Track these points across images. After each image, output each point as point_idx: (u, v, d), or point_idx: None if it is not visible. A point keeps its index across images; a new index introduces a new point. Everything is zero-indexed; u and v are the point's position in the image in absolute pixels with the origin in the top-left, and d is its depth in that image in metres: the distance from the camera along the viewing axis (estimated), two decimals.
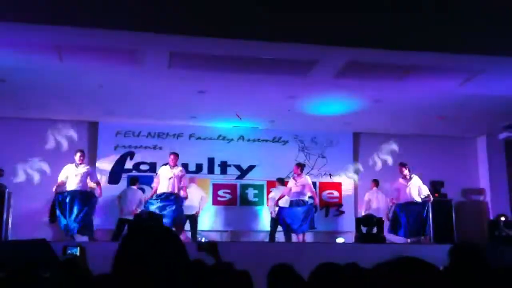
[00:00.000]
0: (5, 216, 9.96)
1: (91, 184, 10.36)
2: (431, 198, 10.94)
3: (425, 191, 10.91)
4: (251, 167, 12.66)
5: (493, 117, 11.43)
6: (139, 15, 6.85)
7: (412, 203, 10.74)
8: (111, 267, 1.69)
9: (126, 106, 10.87)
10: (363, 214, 11.66)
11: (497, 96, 9.72)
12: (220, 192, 12.37)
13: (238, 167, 12.67)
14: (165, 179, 10.28)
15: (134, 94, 10.02)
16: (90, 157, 11.50)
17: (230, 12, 7.00)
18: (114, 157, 12.06)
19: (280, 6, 7.09)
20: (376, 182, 12.09)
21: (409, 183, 10.81)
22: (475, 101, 10.11)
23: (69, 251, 5.19)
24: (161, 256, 1.65)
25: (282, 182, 11.71)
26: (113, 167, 11.58)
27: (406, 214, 10.69)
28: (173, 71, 8.62)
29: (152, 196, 10.32)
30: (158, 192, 10.25)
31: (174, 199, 10.17)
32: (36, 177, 11.65)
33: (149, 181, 12.01)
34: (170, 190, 10.19)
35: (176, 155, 10.51)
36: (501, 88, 9.33)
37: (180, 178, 10.35)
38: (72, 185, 9.99)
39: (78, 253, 5.06)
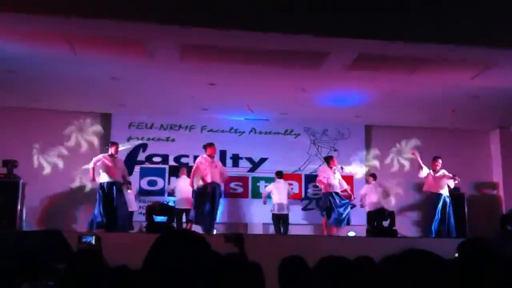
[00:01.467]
0: (19, 206, 10.07)
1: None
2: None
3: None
4: (262, 160, 12.67)
5: (506, 110, 11.33)
6: (151, 6, 6.86)
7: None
8: (143, 264, 1.76)
9: (138, 98, 10.91)
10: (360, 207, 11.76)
11: (510, 89, 9.63)
12: (232, 185, 12.40)
13: (249, 159, 12.68)
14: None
15: (146, 86, 10.05)
16: (103, 149, 11.56)
17: (242, 4, 6.99)
18: (127, 149, 12.12)
19: None
20: (373, 176, 12.10)
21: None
22: (488, 94, 10.02)
23: (83, 239, 5.21)
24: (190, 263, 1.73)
25: (281, 175, 11.71)
26: (126, 158, 11.62)
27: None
28: (184, 64, 8.63)
29: None
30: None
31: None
32: (49, 168, 11.76)
33: (161, 173, 12.12)
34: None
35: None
36: None
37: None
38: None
39: (93, 242, 5.07)
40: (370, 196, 11.83)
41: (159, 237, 1.82)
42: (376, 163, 13.05)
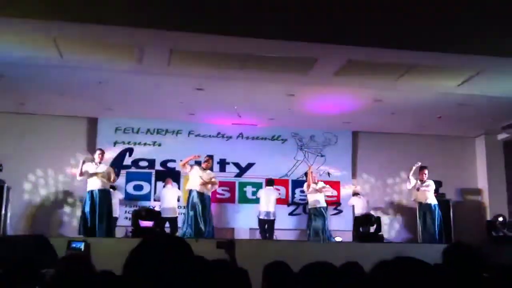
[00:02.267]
0: (3, 211, 9.96)
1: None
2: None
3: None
4: (250, 165, 12.67)
5: (492, 117, 11.45)
6: (139, 11, 6.84)
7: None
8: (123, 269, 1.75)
9: (125, 102, 10.87)
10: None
11: (496, 96, 9.73)
12: (219, 190, 12.35)
13: (237, 164, 12.67)
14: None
15: (133, 90, 10.02)
16: (89, 153, 11.48)
17: (230, 9, 6.99)
18: (113, 153, 12.04)
19: (281, 4, 7.08)
20: (356, 193, 12.46)
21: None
22: (474, 101, 10.12)
23: (73, 245, 5.15)
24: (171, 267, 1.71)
25: (272, 183, 11.74)
26: (112, 163, 11.55)
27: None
28: (172, 68, 8.61)
29: None
30: None
31: None
32: (34, 172, 11.65)
33: (148, 177, 12.09)
34: None
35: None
36: (500, 89, 9.35)
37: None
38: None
39: (82, 248, 5.01)
40: (358, 207, 12.10)
41: (140, 242, 1.81)
42: (363, 169, 13.09)
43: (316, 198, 10.92)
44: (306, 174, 11.58)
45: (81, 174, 9.66)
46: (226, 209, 12.39)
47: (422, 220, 10.52)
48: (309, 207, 11.09)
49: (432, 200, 10.56)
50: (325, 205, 10.96)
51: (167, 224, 11.00)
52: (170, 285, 1.69)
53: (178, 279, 1.70)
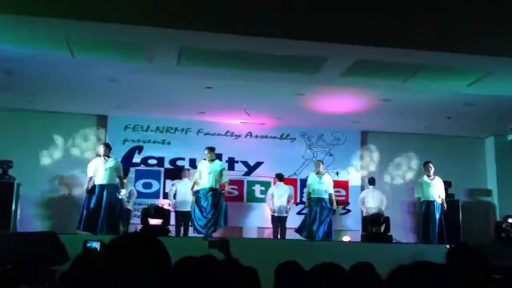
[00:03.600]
0: (13, 207, 10.04)
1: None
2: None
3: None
4: (258, 164, 12.68)
5: (502, 118, 11.40)
6: (149, 10, 6.86)
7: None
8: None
9: (135, 100, 10.91)
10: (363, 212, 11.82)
11: (506, 96, 9.68)
12: (227, 188, 12.37)
13: (245, 163, 12.68)
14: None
15: (143, 89, 10.06)
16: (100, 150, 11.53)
17: (240, 8, 7.00)
18: (123, 151, 12.10)
19: (291, 3, 7.09)
20: (372, 181, 12.13)
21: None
22: (484, 101, 10.07)
23: (89, 245, 5.14)
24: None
25: (281, 178, 11.72)
26: (121, 160, 11.61)
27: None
28: (182, 67, 8.63)
29: None
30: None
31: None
32: (44, 169, 11.72)
33: (157, 175, 12.14)
34: None
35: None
36: (510, 89, 9.30)
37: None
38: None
39: (98, 248, 4.97)
40: (367, 200, 11.88)
41: (112, 241, 1.84)
42: (372, 169, 13.07)
43: None
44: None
45: (90, 180, 9.80)
46: (234, 208, 12.39)
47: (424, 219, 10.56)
48: None
49: (437, 198, 10.60)
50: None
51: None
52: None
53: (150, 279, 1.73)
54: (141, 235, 1.87)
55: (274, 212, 11.45)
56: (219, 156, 12.12)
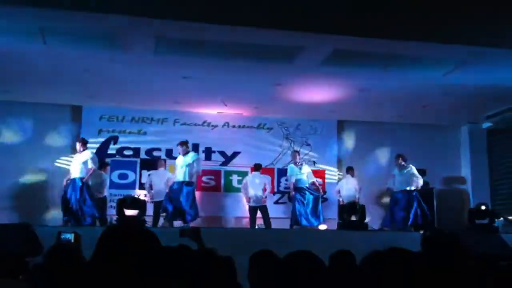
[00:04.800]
0: None
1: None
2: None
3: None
4: (235, 154, 12.67)
5: (476, 106, 11.56)
6: None
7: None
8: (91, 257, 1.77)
9: (110, 90, 10.78)
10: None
11: (481, 85, 9.81)
12: (204, 178, 12.35)
13: (222, 153, 12.66)
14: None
15: (119, 78, 9.95)
16: (73, 141, 11.39)
17: None
18: (98, 142, 11.97)
19: None
20: (348, 169, 12.27)
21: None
22: (459, 90, 10.19)
23: (63, 237, 5.08)
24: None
25: (259, 168, 11.75)
26: (96, 151, 11.48)
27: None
28: (158, 57, 8.56)
29: None
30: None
31: None
32: (18, 160, 11.52)
33: (133, 166, 12.05)
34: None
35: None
36: (485, 78, 9.43)
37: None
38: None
39: (72, 240, 4.93)
40: (343, 188, 11.99)
41: (104, 231, 1.83)
42: (348, 157, 13.14)
43: None
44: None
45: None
46: (212, 198, 12.38)
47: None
48: None
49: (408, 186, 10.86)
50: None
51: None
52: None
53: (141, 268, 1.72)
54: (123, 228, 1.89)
55: (249, 201, 11.47)
56: (195, 147, 12.13)
